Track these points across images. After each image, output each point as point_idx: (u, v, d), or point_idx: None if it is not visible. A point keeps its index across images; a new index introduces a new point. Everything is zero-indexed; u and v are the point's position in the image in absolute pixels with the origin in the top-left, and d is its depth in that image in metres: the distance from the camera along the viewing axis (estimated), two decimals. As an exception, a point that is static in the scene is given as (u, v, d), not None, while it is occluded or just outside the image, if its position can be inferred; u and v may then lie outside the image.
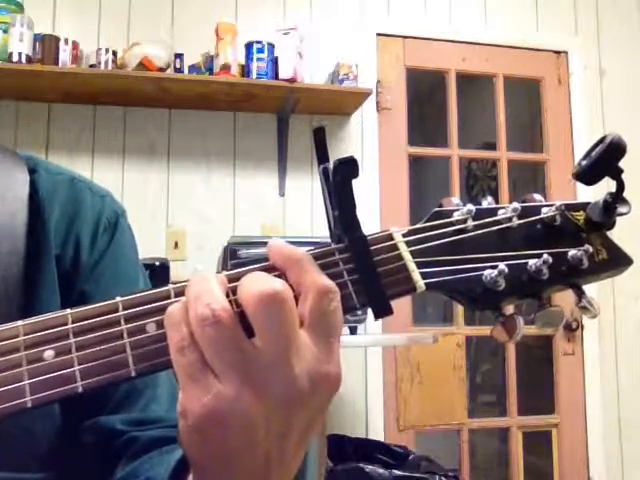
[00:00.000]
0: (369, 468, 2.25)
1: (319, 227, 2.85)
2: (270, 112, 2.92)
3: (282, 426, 0.43)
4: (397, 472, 2.26)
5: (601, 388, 3.10)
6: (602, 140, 0.49)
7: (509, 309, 0.48)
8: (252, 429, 0.42)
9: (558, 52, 3.30)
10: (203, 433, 0.43)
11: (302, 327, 0.43)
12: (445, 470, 2.37)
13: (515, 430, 3.07)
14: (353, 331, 2.31)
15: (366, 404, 2.86)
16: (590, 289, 0.49)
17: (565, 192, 3.13)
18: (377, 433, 2.83)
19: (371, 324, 2.55)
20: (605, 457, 3.07)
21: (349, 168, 0.46)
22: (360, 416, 2.85)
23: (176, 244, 2.80)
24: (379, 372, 2.89)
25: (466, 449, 3.00)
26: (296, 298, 0.43)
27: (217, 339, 0.41)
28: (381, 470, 2.26)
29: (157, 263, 2.42)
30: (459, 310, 3.07)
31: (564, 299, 0.53)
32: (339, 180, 0.46)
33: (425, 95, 3.81)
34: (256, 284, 0.42)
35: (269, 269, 0.45)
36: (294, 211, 2.91)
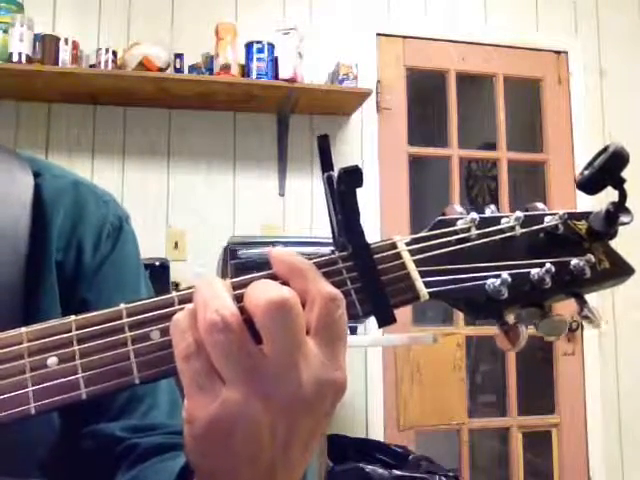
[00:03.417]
0: (369, 468, 2.25)
1: (319, 227, 2.85)
2: (270, 112, 2.92)
3: (288, 432, 0.43)
4: (397, 472, 2.26)
5: (601, 388, 3.10)
6: (605, 150, 0.49)
7: (511, 318, 0.49)
8: (258, 435, 0.42)
9: (558, 52, 3.30)
10: (209, 440, 0.43)
11: (309, 334, 0.43)
12: (445, 470, 2.37)
13: (515, 430, 3.07)
14: (353, 331, 2.31)
15: (366, 404, 2.86)
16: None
17: (565, 192, 3.13)
18: (377, 433, 2.83)
19: (371, 324, 2.55)
20: (605, 457, 3.07)
21: (354, 177, 0.46)
22: (360, 416, 2.85)
23: (176, 244, 2.80)
24: (379, 372, 2.89)
25: (466, 449, 3.00)
26: (303, 306, 0.43)
27: (226, 345, 0.41)
28: (381, 470, 2.26)
29: (157, 263, 2.42)
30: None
31: (564, 302, 0.53)
32: (344, 189, 0.46)
33: (425, 95, 3.80)
34: (264, 291, 0.42)
35: (273, 277, 0.45)
36: (294, 211, 2.91)
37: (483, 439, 3.79)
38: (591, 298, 0.50)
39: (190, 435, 0.44)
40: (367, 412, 2.86)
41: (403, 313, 2.89)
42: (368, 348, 2.84)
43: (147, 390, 0.69)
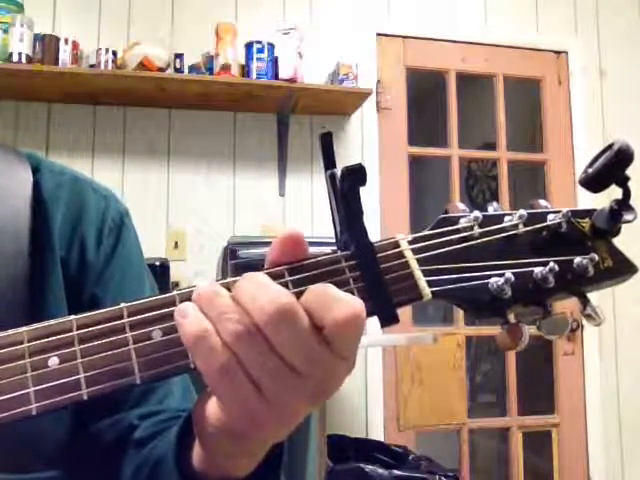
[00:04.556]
0: (369, 468, 2.25)
1: (319, 227, 2.85)
2: (270, 112, 2.91)
3: (302, 417, 0.46)
4: (397, 472, 2.26)
5: (601, 388, 3.10)
6: (609, 147, 0.48)
7: (514, 316, 0.48)
8: (284, 429, 0.45)
9: (558, 52, 3.30)
10: (239, 438, 0.45)
11: None
12: (445, 470, 2.37)
13: (515, 430, 3.07)
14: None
15: (366, 404, 2.86)
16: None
17: (565, 192, 3.13)
18: (377, 433, 2.83)
19: (371, 324, 2.55)
20: (605, 457, 3.07)
21: (357, 176, 0.46)
22: (360, 416, 2.85)
23: (176, 244, 2.80)
24: (379, 372, 2.89)
25: (466, 449, 3.00)
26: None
27: (259, 353, 0.41)
28: (381, 470, 2.26)
29: (157, 263, 2.42)
30: (459, 310, 3.06)
31: (565, 300, 0.52)
32: (347, 187, 0.46)
33: (425, 95, 3.81)
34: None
35: (275, 276, 0.45)
36: (294, 211, 2.91)
37: (483, 439, 3.79)
38: (591, 296, 0.50)
39: (218, 435, 0.45)
40: (367, 412, 2.86)
41: (403, 313, 2.88)
42: (368, 348, 2.84)
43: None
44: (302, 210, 2.91)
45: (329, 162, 0.47)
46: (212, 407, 0.45)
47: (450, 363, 2.92)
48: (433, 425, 2.90)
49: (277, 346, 0.41)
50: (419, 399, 2.87)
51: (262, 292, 0.42)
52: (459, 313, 3.09)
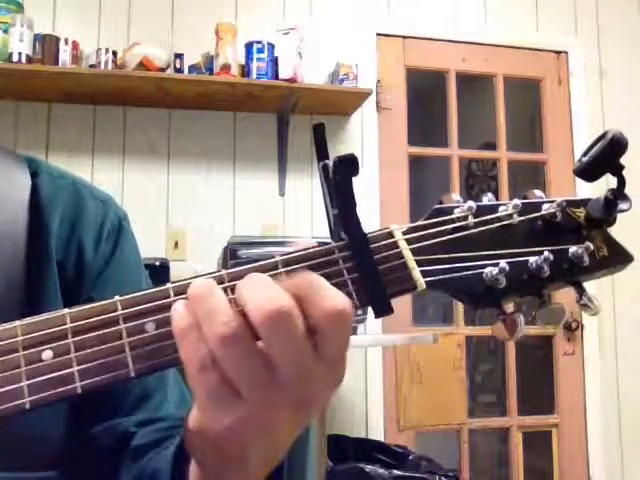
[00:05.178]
0: (369, 468, 2.25)
1: (319, 227, 2.84)
2: (270, 112, 2.91)
3: (290, 431, 0.45)
4: (397, 472, 2.26)
5: (601, 388, 3.09)
6: (603, 136, 0.48)
7: (510, 307, 0.48)
8: (269, 443, 0.44)
9: (558, 52, 3.30)
10: (221, 449, 0.44)
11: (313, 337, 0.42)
12: (445, 470, 2.37)
13: (515, 430, 3.07)
14: (353, 331, 2.31)
15: (366, 404, 2.86)
16: (590, 288, 0.48)
17: (565, 192, 3.12)
18: (377, 433, 2.83)
19: (371, 324, 2.55)
20: (605, 457, 3.07)
21: (349, 166, 0.46)
22: (360, 416, 2.85)
23: (176, 244, 2.80)
24: (379, 372, 2.88)
25: (466, 449, 2.99)
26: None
27: (238, 358, 0.41)
28: (381, 470, 2.26)
29: (157, 263, 2.42)
30: (459, 310, 3.07)
31: (565, 296, 0.52)
32: (339, 178, 0.46)
33: (425, 95, 3.80)
34: (264, 298, 0.41)
35: (267, 269, 0.45)
36: (294, 211, 2.91)
37: (483, 439, 3.78)
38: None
39: (200, 443, 0.45)
40: (367, 412, 2.86)
41: (403, 313, 2.89)
42: (368, 348, 2.84)
43: (157, 386, 0.70)
44: (302, 210, 2.90)
45: (322, 153, 0.47)
46: (193, 409, 0.45)
47: (450, 363, 2.91)
48: (433, 425, 2.90)
49: (266, 347, 0.40)
50: (419, 399, 2.87)
51: (262, 290, 0.41)
52: (459, 313, 3.09)
